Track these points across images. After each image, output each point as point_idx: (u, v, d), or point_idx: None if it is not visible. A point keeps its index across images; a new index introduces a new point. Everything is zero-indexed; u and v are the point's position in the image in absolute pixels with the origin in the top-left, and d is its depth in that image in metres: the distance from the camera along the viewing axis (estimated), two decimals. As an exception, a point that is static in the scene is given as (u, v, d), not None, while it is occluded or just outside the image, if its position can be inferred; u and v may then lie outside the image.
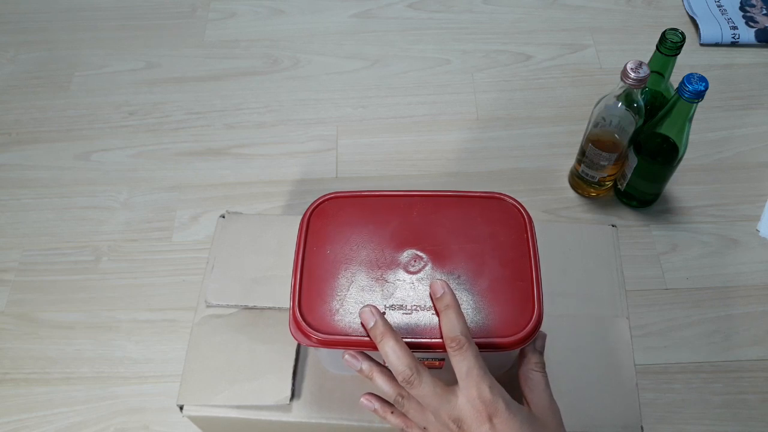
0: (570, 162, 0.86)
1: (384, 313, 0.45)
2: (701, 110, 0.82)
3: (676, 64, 0.74)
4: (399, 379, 0.42)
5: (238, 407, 0.53)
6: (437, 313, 0.45)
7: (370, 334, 0.43)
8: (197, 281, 0.65)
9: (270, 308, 0.57)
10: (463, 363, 0.42)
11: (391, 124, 0.95)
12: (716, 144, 0.90)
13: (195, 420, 0.55)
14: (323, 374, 0.54)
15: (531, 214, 0.50)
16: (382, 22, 1.07)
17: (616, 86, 0.70)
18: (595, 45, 1.03)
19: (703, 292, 0.77)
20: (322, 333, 0.45)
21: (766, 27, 1.02)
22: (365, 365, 0.45)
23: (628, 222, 0.83)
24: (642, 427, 0.52)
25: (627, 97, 0.70)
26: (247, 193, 0.88)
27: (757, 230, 0.82)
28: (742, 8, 1.06)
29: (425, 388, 0.42)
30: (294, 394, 0.53)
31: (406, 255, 0.48)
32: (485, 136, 0.92)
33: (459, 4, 1.10)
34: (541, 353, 0.47)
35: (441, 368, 0.48)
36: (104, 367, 0.74)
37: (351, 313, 0.45)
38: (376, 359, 0.45)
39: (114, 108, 0.97)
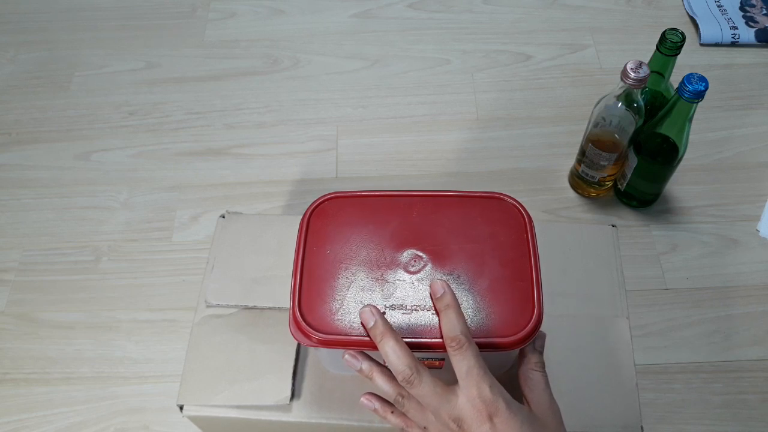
0: (570, 162, 0.86)
1: (384, 313, 0.45)
2: (701, 110, 0.82)
3: (676, 64, 0.74)
4: (399, 378, 0.42)
5: (238, 407, 0.53)
6: (437, 313, 0.45)
7: (370, 334, 0.43)
8: (197, 281, 0.65)
9: (270, 308, 0.57)
10: (463, 363, 0.42)
11: (391, 124, 0.95)
12: (716, 144, 0.90)
13: (195, 420, 0.55)
14: (323, 374, 0.54)
15: (531, 214, 0.50)
16: (382, 22, 1.07)
17: (616, 86, 0.70)
18: (595, 45, 1.03)
19: (703, 292, 0.77)
20: (322, 333, 0.45)
21: (766, 27, 1.02)
22: (365, 365, 0.45)
23: (628, 222, 0.83)
24: (642, 427, 0.52)
25: (627, 97, 0.70)
26: (247, 193, 0.88)
27: (757, 230, 0.82)
28: (742, 8, 1.06)
29: (425, 387, 0.42)
30: (294, 394, 0.53)
31: (406, 255, 0.48)
32: (485, 136, 0.92)
33: (459, 4, 1.10)
34: (541, 353, 0.47)
35: (441, 368, 0.48)
36: (104, 367, 0.74)
37: (351, 313, 0.45)
38: (376, 359, 0.45)
39: (114, 108, 0.97)
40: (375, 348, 0.43)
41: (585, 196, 0.86)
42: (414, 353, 0.43)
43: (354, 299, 0.46)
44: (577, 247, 0.61)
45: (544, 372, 0.46)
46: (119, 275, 0.81)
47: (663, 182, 0.80)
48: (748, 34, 1.01)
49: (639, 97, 0.70)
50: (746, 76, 0.98)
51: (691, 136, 0.73)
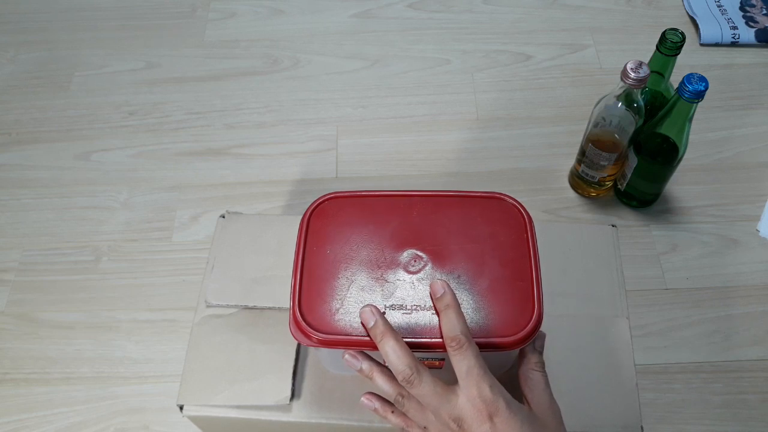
0: (570, 162, 0.86)
1: (384, 312, 0.45)
2: (701, 110, 0.82)
3: (676, 64, 0.74)
4: (399, 378, 0.42)
5: (238, 407, 0.53)
6: (437, 313, 0.45)
7: (370, 334, 0.43)
8: (197, 281, 0.65)
9: (270, 308, 0.57)
10: (463, 362, 0.42)
11: (391, 124, 0.95)
12: (716, 144, 0.90)
13: (195, 420, 0.55)
14: (323, 374, 0.54)
15: (531, 214, 0.50)
16: (382, 22, 1.07)
17: (616, 86, 0.70)
18: (595, 45, 1.03)
19: (703, 292, 0.77)
20: (322, 333, 0.45)
21: (766, 27, 1.02)
22: (365, 365, 0.45)
23: (628, 222, 0.83)
24: (642, 427, 0.52)
25: (627, 97, 0.70)
26: (247, 193, 0.88)
27: (757, 230, 0.82)
28: (742, 8, 1.06)
29: (425, 387, 0.42)
30: (294, 394, 0.53)
31: (406, 255, 0.48)
32: (485, 136, 0.92)
33: (459, 4, 1.10)
34: (541, 353, 0.47)
35: (441, 368, 0.48)
36: (104, 367, 0.74)
37: (351, 313, 0.45)
38: (376, 359, 0.45)
39: (114, 108, 0.97)
40: (375, 348, 0.43)
41: (585, 196, 0.86)
42: (414, 353, 0.43)
43: (354, 299, 0.46)
44: (577, 247, 0.61)
45: (544, 372, 0.46)
46: (119, 275, 0.81)
47: (663, 182, 0.80)
48: (748, 34, 1.01)
49: (639, 97, 0.70)
50: (746, 76, 0.98)
51: (691, 136, 0.73)
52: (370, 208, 0.50)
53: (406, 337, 0.44)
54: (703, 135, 0.91)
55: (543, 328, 0.46)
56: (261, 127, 0.95)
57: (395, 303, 0.46)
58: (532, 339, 0.45)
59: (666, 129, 0.72)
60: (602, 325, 0.56)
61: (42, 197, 0.88)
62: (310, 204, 0.51)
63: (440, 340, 0.43)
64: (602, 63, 1.00)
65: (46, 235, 0.85)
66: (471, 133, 0.93)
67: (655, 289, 0.78)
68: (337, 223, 0.50)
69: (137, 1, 1.12)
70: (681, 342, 0.74)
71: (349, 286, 0.46)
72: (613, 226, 0.62)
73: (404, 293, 0.46)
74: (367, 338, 0.44)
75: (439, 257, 0.47)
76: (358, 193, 0.51)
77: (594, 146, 0.76)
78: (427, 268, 0.47)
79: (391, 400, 0.45)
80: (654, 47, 0.72)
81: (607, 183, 0.83)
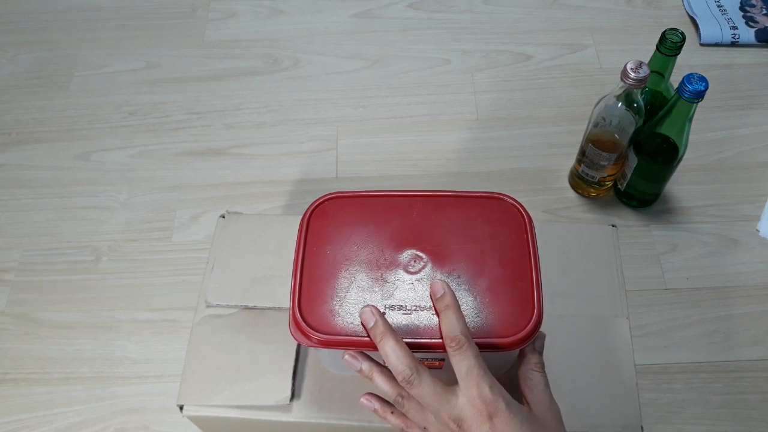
0: (570, 162, 0.86)
1: (384, 313, 0.45)
2: (701, 110, 0.82)
3: (676, 64, 0.74)
4: (399, 379, 0.42)
5: (238, 407, 0.53)
6: (437, 314, 0.45)
7: (370, 334, 0.43)
8: (197, 281, 0.65)
9: (270, 308, 0.57)
10: (463, 363, 0.42)
11: (391, 124, 0.95)
12: (716, 144, 0.90)
13: (195, 420, 0.55)
14: (323, 374, 0.54)
15: (531, 214, 0.50)
16: (382, 22, 1.07)
17: (616, 86, 0.70)
18: (595, 45, 1.03)
19: (703, 292, 0.77)
20: (322, 333, 0.45)
21: (766, 27, 1.02)
22: (365, 365, 0.45)
23: (628, 222, 0.83)
24: (642, 427, 0.52)
25: (627, 97, 0.70)
26: (247, 193, 0.88)
27: (757, 230, 0.82)
28: (742, 8, 1.06)
29: (425, 387, 0.42)
30: (294, 394, 0.53)
31: (406, 255, 0.48)
32: (485, 136, 0.92)
33: (459, 4, 1.10)
34: (541, 353, 0.47)
35: (441, 368, 0.48)
36: (104, 367, 0.74)
37: (351, 314, 0.45)
38: (376, 359, 0.45)
39: (114, 108, 0.97)
40: (375, 348, 0.43)
41: (585, 196, 0.86)
42: (414, 353, 0.43)
43: (354, 299, 0.46)
44: (577, 247, 0.61)
45: (544, 372, 0.46)
46: (119, 275, 0.81)
47: (663, 182, 0.80)
48: (748, 34, 1.01)
49: (639, 97, 0.70)
50: (746, 76, 0.98)
51: (691, 136, 0.73)
52: (370, 209, 0.50)
53: (406, 338, 0.44)
54: (703, 135, 0.91)
55: (543, 328, 0.46)
56: (261, 127, 0.95)
57: (395, 303, 0.46)
58: (532, 339, 0.45)
59: (666, 129, 0.72)
60: (602, 325, 0.56)
61: (42, 197, 0.88)
62: (310, 204, 0.51)
63: (440, 340, 0.43)
64: (602, 63, 1.00)
65: (46, 235, 0.85)
66: (471, 133, 0.93)
67: (655, 289, 0.78)
68: (337, 223, 0.50)
69: (137, 1, 1.12)
70: (681, 342, 0.74)
71: (349, 287, 0.46)
72: (613, 226, 0.62)
73: (404, 293, 0.46)
74: (367, 338, 0.44)
75: (439, 257, 0.47)
76: (358, 194, 0.51)
77: (594, 146, 0.76)
78: (427, 268, 0.47)
79: (391, 401, 0.45)
80: (654, 47, 0.72)
81: (607, 183, 0.83)
